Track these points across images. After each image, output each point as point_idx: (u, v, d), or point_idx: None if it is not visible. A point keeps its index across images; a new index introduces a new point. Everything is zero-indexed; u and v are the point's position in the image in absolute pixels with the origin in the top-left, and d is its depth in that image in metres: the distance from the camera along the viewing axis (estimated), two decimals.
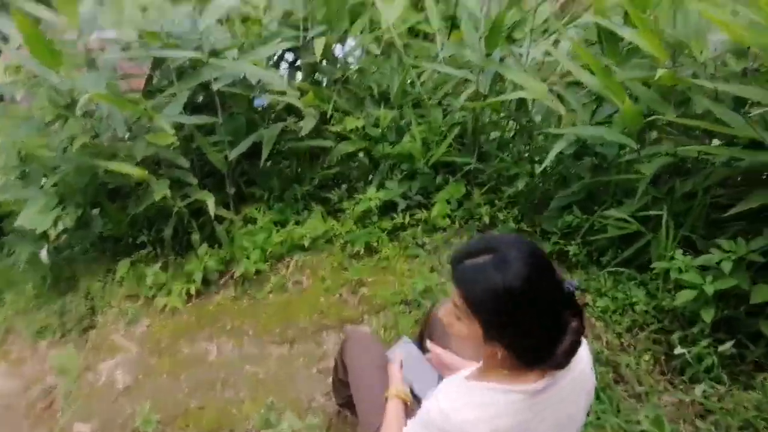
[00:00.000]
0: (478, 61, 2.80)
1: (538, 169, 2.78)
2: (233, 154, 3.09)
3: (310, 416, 2.30)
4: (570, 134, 2.53)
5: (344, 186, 3.36)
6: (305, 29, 3.27)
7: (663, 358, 2.23)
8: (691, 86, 2.17)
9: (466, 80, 3.06)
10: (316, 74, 3.57)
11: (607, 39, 2.48)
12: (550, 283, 1.08)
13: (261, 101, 3.39)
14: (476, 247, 1.10)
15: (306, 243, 3.08)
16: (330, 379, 2.15)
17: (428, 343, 1.72)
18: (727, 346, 2.06)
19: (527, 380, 1.11)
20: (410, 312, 2.66)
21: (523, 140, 3.11)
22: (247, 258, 2.98)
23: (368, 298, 2.82)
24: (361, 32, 3.43)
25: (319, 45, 3.18)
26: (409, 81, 3.38)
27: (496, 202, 3.10)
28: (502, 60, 2.94)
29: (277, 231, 3.17)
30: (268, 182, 3.37)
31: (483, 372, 1.20)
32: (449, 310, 1.17)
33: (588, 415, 1.68)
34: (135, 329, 2.92)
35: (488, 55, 2.77)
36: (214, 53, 2.85)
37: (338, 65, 3.50)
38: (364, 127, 3.30)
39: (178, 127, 2.88)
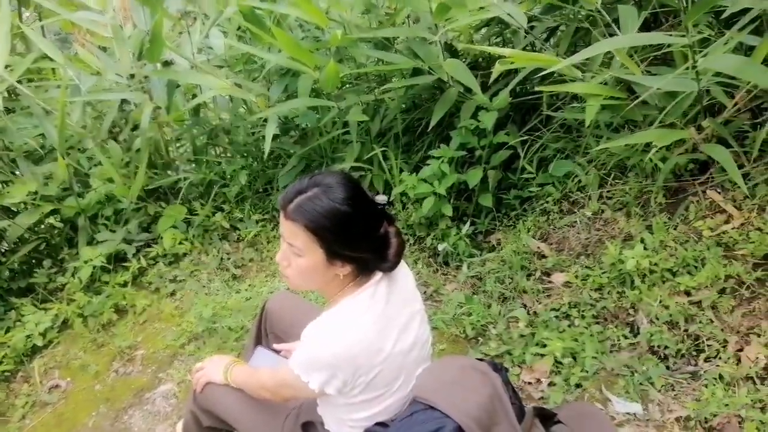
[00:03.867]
0: (126, 79, 2.67)
1: (255, 160, 2.86)
2: None
3: None
4: (273, 116, 2.67)
5: (47, 262, 2.81)
6: None
7: (430, 259, 2.68)
8: (356, 41, 2.55)
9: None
10: None
11: (253, 22, 2.62)
12: (367, 200, 1.26)
13: None
14: (303, 185, 1.22)
15: (38, 342, 2.52)
16: None
17: (275, 346, 1.74)
18: (466, 227, 2.61)
19: (365, 283, 1.29)
20: (205, 343, 2.49)
21: (221, 140, 3.12)
22: None
23: (151, 356, 2.51)
24: None
25: None
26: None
27: (224, 206, 3.08)
28: (167, 64, 2.86)
29: None
30: None
31: (329, 303, 1.34)
32: (284, 253, 1.27)
33: None
34: None
35: (163, 64, 2.67)
36: None
37: None
38: (36, 191, 2.80)
39: None
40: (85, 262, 2.74)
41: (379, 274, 1.31)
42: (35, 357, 2.54)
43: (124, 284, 2.78)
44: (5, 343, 2.51)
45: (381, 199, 1.30)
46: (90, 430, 2.25)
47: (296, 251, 1.23)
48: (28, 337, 2.52)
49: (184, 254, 2.96)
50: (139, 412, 2.30)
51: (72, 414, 2.32)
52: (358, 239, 1.23)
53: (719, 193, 2.10)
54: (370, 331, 1.25)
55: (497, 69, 2.10)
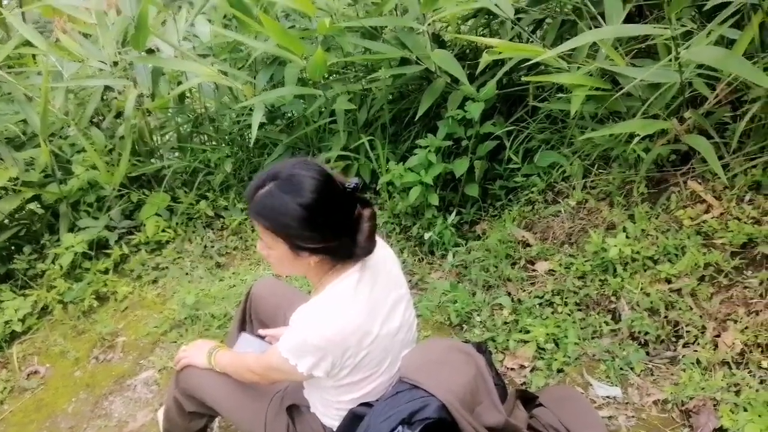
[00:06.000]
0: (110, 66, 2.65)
1: (241, 148, 2.85)
2: None
3: None
4: (259, 104, 2.65)
5: (27, 248, 2.77)
6: None
7: (416, 248, 2.69)
8: (344, 30, 2.55)
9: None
10: None
11: (240, 9, 2.60)
12: (331, 188, 1.21)
13: None
14: (262, 179, 1.20)
15: (17, 328, 2.48)
16: None
17: (260, 332, 1.73)
18: (452, 217, 2.62)
19: (349, 268, 1.28)
20: (188, 330, 2.47)
21: (206, 128, 3.10)
22: None
23: (132, 343, 2.49)
24: None
25: None
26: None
27: (208, 194, 3.06)
28: (151, 52, 2.83)
29: None
30: None
31: (316, 288, 1.34)
32: (261, 245, 1.29)
33: None
34: None
35: (147, 52, 2.64)
36: None
37: None
38: (17, 177, 2.76)
39: None
40: (67, 248, 2.70)
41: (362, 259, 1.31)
42: (14, 343, 2.50)
43: (106, 271, 2.75)
44: None
45: (352, 182, 1.24)
46: (70, 416, 2.22)
47: (267, 244, 1.26)
48: (6, 323, 2.48)
49: (167, 242, 2.94)
50: (120, 398, 2.28)
51: (51, 400, 2.29)
52: (321, 231, 1.20)
53: (700, 183, 2.14)
54: (360, 314, 1.25)
55: (485, 59, 2.11)
